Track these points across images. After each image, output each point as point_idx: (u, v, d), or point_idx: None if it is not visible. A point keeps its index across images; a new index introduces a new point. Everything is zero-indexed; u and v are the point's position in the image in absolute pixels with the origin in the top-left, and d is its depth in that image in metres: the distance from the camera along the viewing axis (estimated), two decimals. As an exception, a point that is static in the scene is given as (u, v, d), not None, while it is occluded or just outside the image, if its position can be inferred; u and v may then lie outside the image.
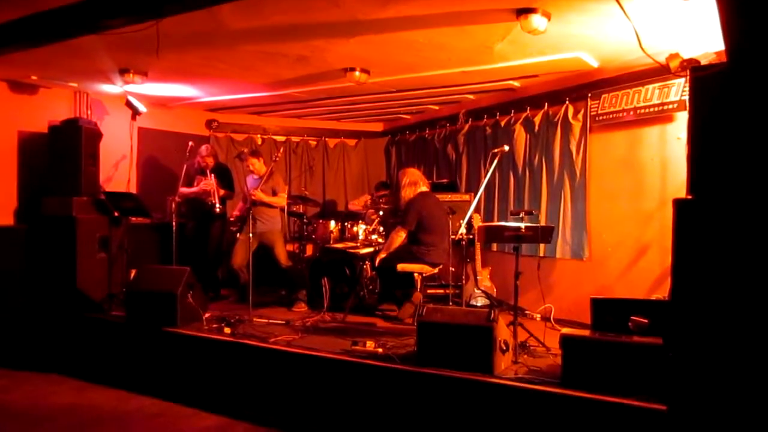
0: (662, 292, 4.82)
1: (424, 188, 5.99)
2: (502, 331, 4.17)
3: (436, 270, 5.90)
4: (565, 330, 3.97)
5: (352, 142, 9.28)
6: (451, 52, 5.26)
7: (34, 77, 6.36)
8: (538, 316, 6.01)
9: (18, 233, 6.38)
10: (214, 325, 5.39)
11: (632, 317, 3.88)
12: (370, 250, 6.49)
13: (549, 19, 4.25)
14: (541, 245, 6.11)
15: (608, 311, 4.10)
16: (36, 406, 4.87)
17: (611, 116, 5.61)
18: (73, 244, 6.11)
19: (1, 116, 6.49)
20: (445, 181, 7.46)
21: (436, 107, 8.00)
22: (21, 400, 5.02)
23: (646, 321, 3.83)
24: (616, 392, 3.47)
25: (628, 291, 5.32)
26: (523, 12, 4.19)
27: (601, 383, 3.55)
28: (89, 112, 7.05)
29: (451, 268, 6.27)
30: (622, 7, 3.88)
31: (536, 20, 4.21)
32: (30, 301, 6.25)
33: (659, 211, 5.22)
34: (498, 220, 6.69)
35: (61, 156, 6.39)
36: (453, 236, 5.82)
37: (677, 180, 4.94)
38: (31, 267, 6.32)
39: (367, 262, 6.61)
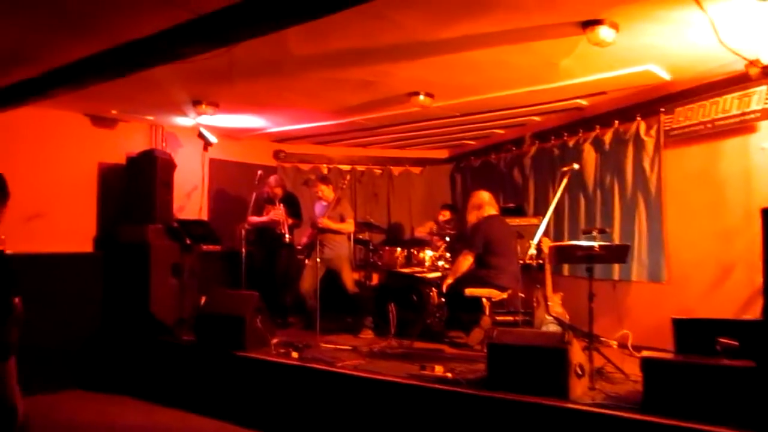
0: (753, 314, 4.48)
1: (492, 211, 5.87)
2: (577, 355, 3.97)
3: (505, 295, 5.73)
4: (646, 352, 3.73)
5: (416, 169, 9.23)
6: (515, 71, 5.16)
7: (113, 111, 6.63)
8: (615, 343, 5.72)
9: (97, 259, 6.65)
10: (282, 350, 5.38)
11: (720, 339, 3.60)
12: (437, 274, 6.38)
13: (617, 31, 4.10)
14: (616, 268, 5.87)
15: (692, 333, 3.83)
16: (104, 427, 4.93)
17: (687, 130, 5.35)
18: (146, 270, 6.29)
19: (84, 149, 6.78)
20: (511, 205, 7.29)
21: (501, 131, 7.88)
22: (90, 421, 5.12)
23: (735, 343, 3.54)
24: (704, 419, 3.20)
25: (712, 315, 4.96)
26: (589, 24, 4.05)
27: (687, 409, 3.29)
28: (164, 144, 7.29)
29: (521, 294, 6.10)
30: (700, 5, 3.65)
31: (603, 32, 4.05)
32: (106, 324, 6.46)
33: (744, 226, 4.87)
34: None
35: (137, 185, 6.62)
36: (521, 260, 5.67)
37: (763, 192, 4.63)
38: (108, 292, 6.54)
39: (433, 288, 6.49)
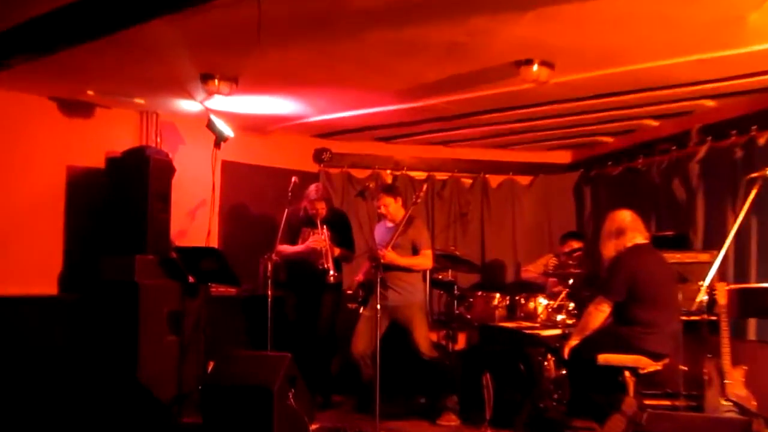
0: None
1: (640, 240, 5.79)
2: (774, 455, 3.87)
3: (659, 365, 5.65)
4: None
5: (525, 179, 9.27)
6: (678, 30, 5.13)
7: (90, 92, 6.89)
8: (832, 444, 5.52)
9: (63, 306, 6.83)
10: (325, 440, 5.44)
11: None
12: (555, 332, 6.32)
13: (838, -37, 4.02)
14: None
15: None
16: None
17: None
18: (134, 322, 6.38)
19: (48, 148, 7.05)
20: (669, 233, 7.22)
21: (654, 123, 7.84)
22: None
23: None
24: None
25: None
26: (796, -47, 4.00)
27: None
28: (158, 139, 7.53)
29: (681, 366, 5.97)
30: None
31: (817, -35, 3.99)
32: (76, 401, 6.53)
33: None
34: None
35: (121, 199, 6.83)
36: (685, 315, 5.56)
37: None
38: (79, 353, 6.65)
39: (549, 354, 6.43)
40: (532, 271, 7.94)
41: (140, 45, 5.30)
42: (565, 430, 6.07)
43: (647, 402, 6.21)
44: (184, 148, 7.76)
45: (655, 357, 5.55)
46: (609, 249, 5.81)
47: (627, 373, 5.58)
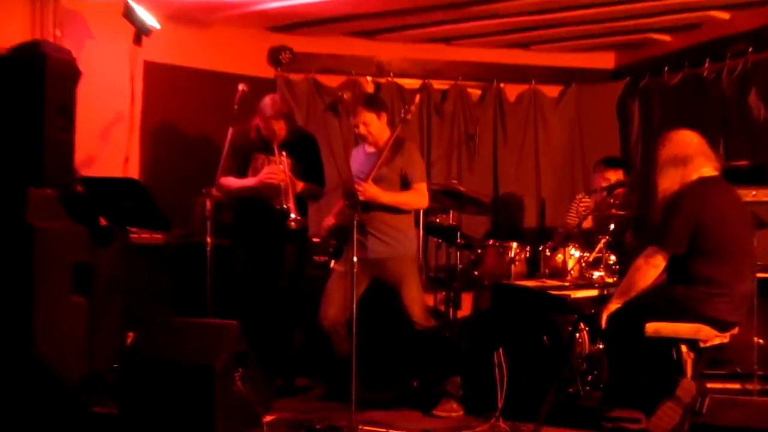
0: None
1: (708, 171, 5.75)
2: None
3: (726, 337, 5.69)
4: None
5: (553, 90, 9.31)
6: None
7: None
8: None
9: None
10: (285, 437, 5.54)
11: None
12: (589, 293, 6.38)
13: None
14: None
15: None
16: None
17: None
18: (28, 278, 6.34)
19: None
20: (743, 163, 7.23)
21: (725, 15, 7.86)
22: None
23: None
24: None
25: None
26: None
27: None
28: (58, 32, 7.44)
29: (757, 339, 6.06)
30: None
31: None
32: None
33: None
34: None
35: (8, 112, 6.75)
36: (761, 271, 5.63)
37: None
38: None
39: (582, 322, 6.50)
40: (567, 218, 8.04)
41: None
42: (603, 420, 6.01)
43: (710, 385, 6.32)
44: (93, 44, 7.70)
45: (722, 326, 5.55)
46: (668, 182, 5.67)
47: (684, 348, 5.61)
